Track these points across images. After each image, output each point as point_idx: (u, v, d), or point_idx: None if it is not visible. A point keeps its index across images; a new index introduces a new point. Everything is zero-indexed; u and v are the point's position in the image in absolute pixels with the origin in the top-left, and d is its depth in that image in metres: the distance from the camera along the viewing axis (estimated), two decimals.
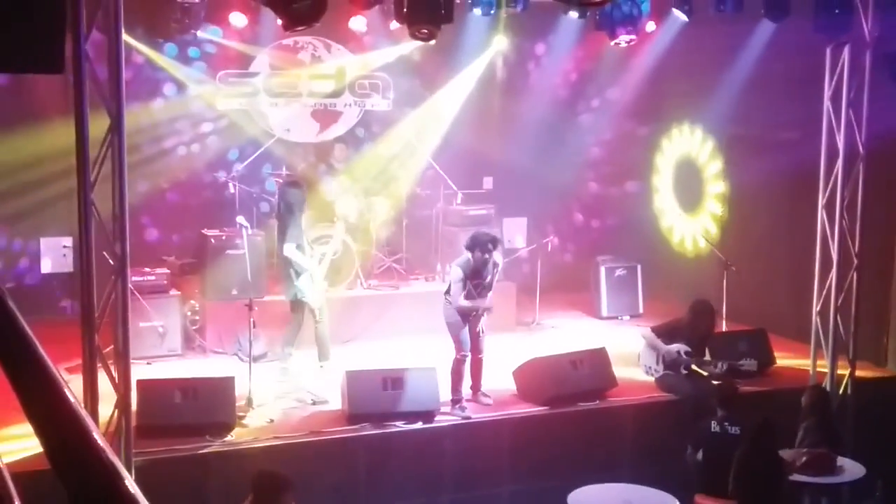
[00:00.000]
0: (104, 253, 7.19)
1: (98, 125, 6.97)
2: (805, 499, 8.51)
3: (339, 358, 10.09)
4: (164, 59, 11.84)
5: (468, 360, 8.98)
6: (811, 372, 9.85)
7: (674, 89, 13.03)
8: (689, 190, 13.12)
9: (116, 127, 7.02)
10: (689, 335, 9.56)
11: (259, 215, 11.67)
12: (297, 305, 9.75)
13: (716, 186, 12.64)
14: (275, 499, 6.26)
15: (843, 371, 9.75)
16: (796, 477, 8.03)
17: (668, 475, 8.27)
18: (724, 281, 10.79)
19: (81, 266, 7.00)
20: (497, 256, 9.12)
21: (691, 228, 13.07)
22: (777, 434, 7.86)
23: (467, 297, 8.85)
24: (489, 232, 9.20)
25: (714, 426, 8.15)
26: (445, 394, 8.87)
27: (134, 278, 8.64)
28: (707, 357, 9.61)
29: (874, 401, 9.82)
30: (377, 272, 11.92)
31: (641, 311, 12.47)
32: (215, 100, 12.30)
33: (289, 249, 9.52)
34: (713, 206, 12.68)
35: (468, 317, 8.91)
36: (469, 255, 8.88)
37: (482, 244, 8.83)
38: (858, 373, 9.79)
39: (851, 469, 8.33)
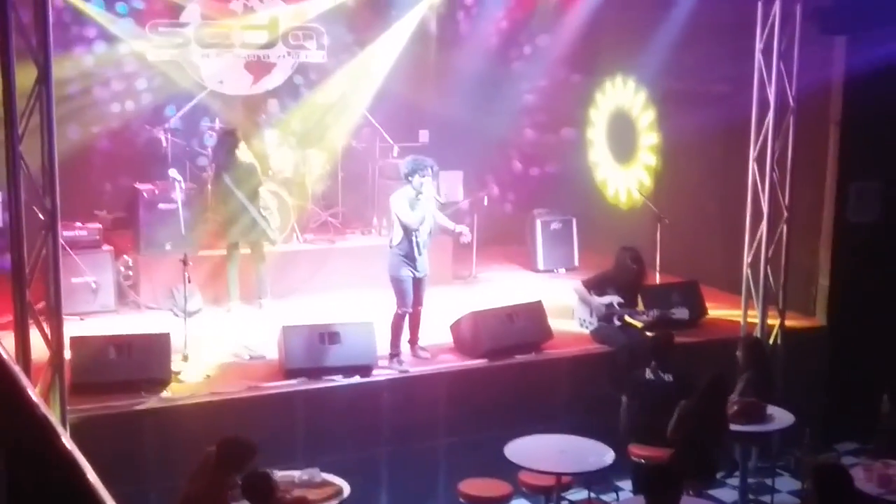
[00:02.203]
0: (34, 207, 7.04)
1: (25, 77, 6.79)
2: (735, 447, 8.70)
3: (276, 312, 10.08)
4: (91, 9, 11.57)
5: (409, 314, 8.98)
6: (742, 322, 10.03)
7: (607, 41, 13.06)
8: (622, 143, 13.20)
9: (44, 78, 6.85)
10: (620, 285, 9.66)
11: (193, 168, 11.52)
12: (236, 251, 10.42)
13: (649, 139, 12.73)
14: (240, 466, 6.36)
15: (773, 321, 9.94)
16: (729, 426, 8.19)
17: (603, 426, 8.39)
18: (658, 234, 10.90)
19: (11, 221, 6.84)
20: (436, 204, 9.09)
21: (625, 181, 13.16)
22: (728, 388, 8.00)
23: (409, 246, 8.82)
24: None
25: (648, 373, 8.31)
26: (383, 348, 8.88)
27: (65, 233, 8.50)
28: (639, 307, 9.75)
29: (803, 350, 10.04)
30: (313, 226, 11.86)
31: (577, 263, 12.57)
32: (145, 51, 12.06)
33: (263, 192, 10.46)
34: (646, 158, 12.78)
35: (413, 267, 8.86)
36: (408, 184, 8.81)
37: (421, 167, 8.77)
38: (788, 323, 9.98)
39: (781, 417, 8.52)
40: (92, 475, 2.04)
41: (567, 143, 13.90)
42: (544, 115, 13.87)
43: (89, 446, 2.51)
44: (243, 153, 10.62)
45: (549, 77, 13.62)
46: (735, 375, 8.64)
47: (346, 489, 7.10)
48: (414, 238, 8.80)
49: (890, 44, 9.39)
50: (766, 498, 9.04)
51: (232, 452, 6.42)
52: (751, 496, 9.00)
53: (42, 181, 7.00)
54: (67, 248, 9.14)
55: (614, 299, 9.60)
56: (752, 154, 9.80)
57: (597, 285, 9.75)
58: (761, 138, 9.72)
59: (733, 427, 8.21)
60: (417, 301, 9.02)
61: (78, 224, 10.24)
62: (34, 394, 2.51)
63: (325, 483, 7.02)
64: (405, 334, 9.04)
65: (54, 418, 2.38)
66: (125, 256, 10.66)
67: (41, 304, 7.24)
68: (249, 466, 6.38)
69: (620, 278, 9.67)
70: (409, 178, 8.78)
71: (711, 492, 8.71)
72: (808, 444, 8.82)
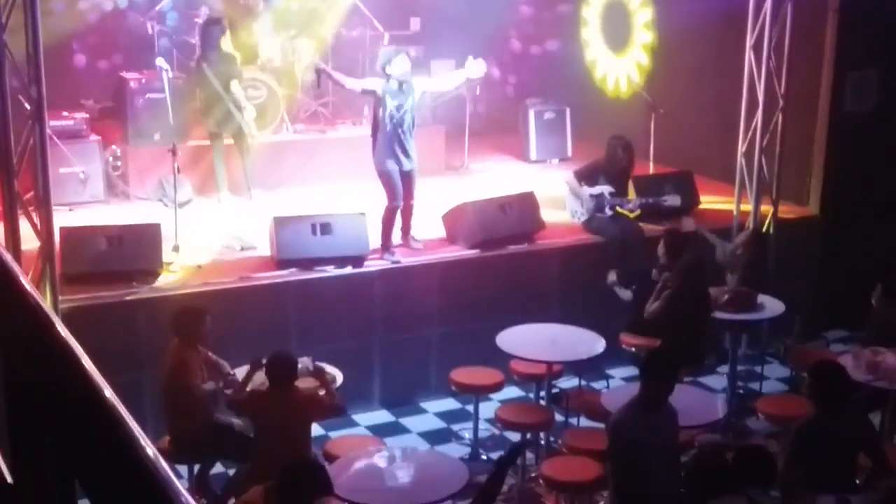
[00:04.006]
0: (20, 97, 6.95)
1: None
2: (726, 335, 8.77)
3: (266, 203, 10.03)
4: None
5: (400, 208, 8.91)
6: (735, 212, 10.02)
7: None
8: (617, 31, 12.96)
9: None
10: (611, 175, 9.60)
11: (179, 57, 11.31)
12: (218, 142, 10.30)
13: (644, 28, 12.50)
14: (197, 330, 6.72)
15: (767, 211, 9.93)
16: (718, 314, 8.25)
17: (594, 316, 8.44)
18: (652, 123, 10.80)
19: None
20: (425, 82, 8.96)
21: (619, 70, 12.98)
22: (707, 271, 8.05)
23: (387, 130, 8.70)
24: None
25: (654, 274, 8.27)
26: (375, 240, 8.85)
27: (51, 123, 8.37)
28: (630, 197, 9.71)
29: (795, 240, 10.07)
30: (303, 116, 11.72)
31: (570, 154, 12.47)
32: None
33: (235, 86, 10.09)
34: (641, 47, 12.57)
35: (396, 159, 8.77)
36: (388, 77, 8.66)
37: (393, 54, 8.70)
38: (781, 213, 9.99)
39: (771, 306, 8.58)
40: (88, 363, 2.02)
41: (562, 30, 13.65)
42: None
43: (82, 336, 2.48)
44: (226, 43, 10.44)
45: None
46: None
47: (339, 378, 7.15)
48: (386, 127, 8.68)
49: None
50: (755, 385, 9.15)
51: (182, 324, 6.72)
52: (740, 383, 9.11)
53: (27, 70, 6.89)
54: (55, 137, 9.04)
55: (605, 189, 9.55)
56: (749, 42, 9.67)
57: (587, 176, 9.69)
58: (759, 25, 9.58)
59: (724, 315, 8.27)
60: (409, 195, 8.94)
61: (64, 114, 10.10)
62: (27, 282, 2.47)
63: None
64: (397, 225, 9.00)
65: (48, 307, 2.35)
66: (113, 146, 10.54)
67: (29, 195, 7.20)
68: (204, 331, 6.73)
69: (610, 168, 9.60)
70: (386, 70, 8.66)
71: (701, 379, 8.83)
72: (798, 333, 8.89)
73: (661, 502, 5.77)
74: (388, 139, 8.71)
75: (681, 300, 7.80)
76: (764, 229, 9.87)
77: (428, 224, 9.42)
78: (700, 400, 7.29)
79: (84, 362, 2.01)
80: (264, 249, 8.83)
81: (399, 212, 8.97)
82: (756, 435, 8.26)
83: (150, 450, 1.76)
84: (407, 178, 8.88)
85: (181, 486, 1.70)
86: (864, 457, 6.03)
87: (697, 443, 7.27)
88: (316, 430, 7.19)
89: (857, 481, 6.03)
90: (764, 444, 6.95)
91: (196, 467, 6.99)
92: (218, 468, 7.28)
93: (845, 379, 6.14)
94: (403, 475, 6.23)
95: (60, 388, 2.05)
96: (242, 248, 8.95)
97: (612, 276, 8.58)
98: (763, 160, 9.79)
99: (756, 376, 9.25)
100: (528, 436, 7.78)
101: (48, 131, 7.18)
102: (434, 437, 8.45)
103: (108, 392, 1.92)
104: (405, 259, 8.89)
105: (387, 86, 8.65)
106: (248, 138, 10.40)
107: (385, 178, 8.80)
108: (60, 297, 7.24)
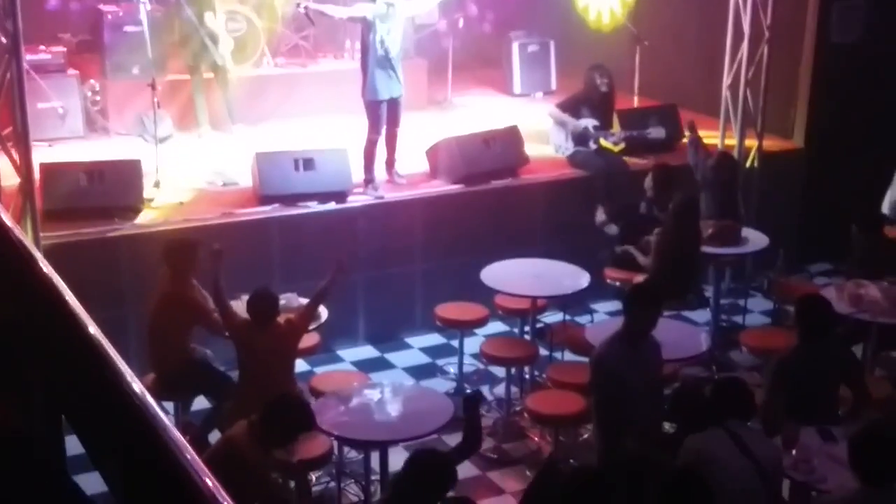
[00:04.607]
0: None
1: None
2: (710, 269, 8.79)
3: (248, 139, 9.94)
4: None
5: (381, 138, 8.84)
6: (719, 146, 9.99)
7: None
8: None
9: None
10: (594, 106, 9.53)
11: None
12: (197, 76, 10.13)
13: None
14: (192, 262, 6.70)
15: (751, 144, 9.91)
16: (703, 248, 8.25)
17: (578, 250, 8.44)
18: (637, 56, 10.72)
19: None
20: (407, 5, 8.83)
21: (604, 1, 12.81)
22: (699, 209, 8.03)
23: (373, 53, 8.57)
24: None
25: (643, 207, 8.25)
26: (358, 176, 8.79)
27: (28, 57, 8.23)
28: (615, 129, 9.66)
29: (779, 173, 10.05)
30: (284, 50, 11.57)
31: (554, 87, 12.37)
32: None
33: (210, 18, 9.89)
34: None
35: (386, 86, 8.67)
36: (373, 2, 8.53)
37: None
38: (765, 146, 9.96)
39: (755, 240, 8.59)
40: (71, 298, 2.00)
41: None
42: None
43: (64, 272, 2.45)
44: None
45: None
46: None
47: (324, 313, 7.14)
48: (377, 52, 8.54)
49: None
50: (739, 318, 9.20)
51: (176, 256, 6.70)
52: (723, 316, 9.17)
53: (2, 2, 6.76)
54: (32, 72, 8.90)
55: (589, 122, 9.50)
56: None
57: (570, 108, 9.63)
58: None
59: (708, 249, 8.26)
60: (394, 122, 8.86)
61: (41, 48, 9.95)
62: (8, 219, 2.44)
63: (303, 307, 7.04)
64: (382, 157, 8.93)
65: (29, 243, 2.32)
66: (91, 81, 10.40)
67: (8, 131, 7.11)
68: (197, 263, 6.69)
69: (593, 98, 9.54)
70: None
71: (685, 313, 8.85)
72: (782, 266, 8.92)
73: (644, 435, 5.81)
74: (381, 64, 8.58)
75: (671, 242, 7.77)
76: (748, 163, 9.85)
77: (411, 159, 9.35)
78: (684, 333, 7.32)
79: (68, 298, 1.99)
80: (247, 185, 8.77)
81: (384, 142, 8.89)
82: (739, 367, 8.33)
83: (137, 385, 1.75)
84: (395, 105, 8.79)
85: (168, 422, 1.69)
86: (845, 389, 6.08)
87: (682, 376, 7.32)
88: (301, 365, 7.22)
89: (839, 413, 6.08)
90: (747, 376, 7.01)
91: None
92: (201, 404, 7.28)
93: (829, 311, 6.17)
94: (389, 409, 6.27)
95: (45, 325, 2.03)
96: (224, 184, 8.88)
97: (600, 215, 8.53)
98: (748, 93, 9.74)
99: (739, 309, 9.29)
100: (513, 370, 7.82)
101: (25, 66, 7.06)
102: (419, 372, 8.48)
103: (93, 328, 1.90)
104: (388, 194, 8.85)
105: (376, 10, 8.52)
106: (226, 72, 10.27)
107: (373, 108, 8.70)
108: (42, 234, 7.18)
